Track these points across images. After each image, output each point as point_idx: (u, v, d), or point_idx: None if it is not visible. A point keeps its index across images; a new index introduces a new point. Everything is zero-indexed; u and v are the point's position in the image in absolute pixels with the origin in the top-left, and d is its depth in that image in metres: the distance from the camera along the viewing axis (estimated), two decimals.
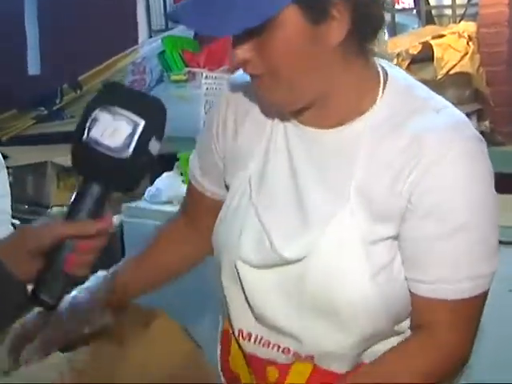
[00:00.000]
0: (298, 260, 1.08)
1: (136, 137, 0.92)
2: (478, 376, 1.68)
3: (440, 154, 1.03)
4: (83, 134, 0.92)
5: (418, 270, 1.06)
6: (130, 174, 0.95)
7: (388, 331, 1.10)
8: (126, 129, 0.92)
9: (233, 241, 1.14)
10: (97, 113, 0.93)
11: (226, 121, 1.21)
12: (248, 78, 1.09)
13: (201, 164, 1.27)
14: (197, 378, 1.18)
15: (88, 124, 0.93)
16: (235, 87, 1.21)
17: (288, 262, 1.09)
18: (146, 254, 1.33)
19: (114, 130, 0.92)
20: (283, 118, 1.14)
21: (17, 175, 3.33)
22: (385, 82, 1.10)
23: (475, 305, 1.08)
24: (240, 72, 1.14)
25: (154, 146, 0.95)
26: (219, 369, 1.25)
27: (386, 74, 1.11)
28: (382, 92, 1.09)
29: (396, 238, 1.06)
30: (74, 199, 0.96)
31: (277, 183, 1.13)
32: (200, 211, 1.31)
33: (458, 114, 1.10)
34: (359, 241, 1.05)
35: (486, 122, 2.51)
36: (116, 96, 0.96)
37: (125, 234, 2.96)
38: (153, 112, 0.95)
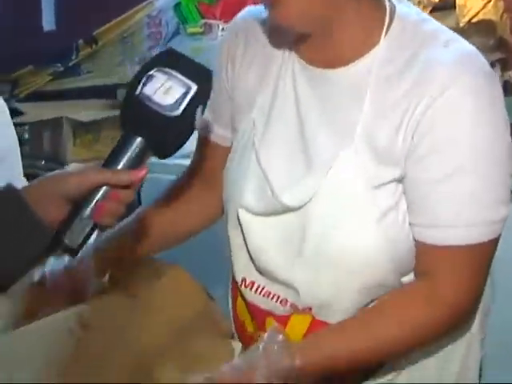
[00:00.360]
0: (300, 207, 1.07)
1: (187, 99, 0.95)
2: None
3: (444, 89, 1.00)
4: (136, 89, 0.96)
5: (421, 214, 1.04)
6: (174, 134, 0.98)
7: (390, 283, 1.08)
8: (179, 90, 0.95)
9: (236, 188, 1.15)
10: (153, 72, 0.96)
11: (234, 60, 1.21)
12: (256, 14, 1.13)
13: (212, 109, 1.22)
14: (210, 329, 1.19)
15: (143, 80, 0.96)
16: (243, 25, 1.21)
17: (289, 209, 1.08)
18: (155, 211, 1.31)
19: (168, 89, 0.95)
20: (291, 58, 1.13)
21: (33, 131, 3.30)
22: (391, 18, 1.08)
23: (481, 253, 1.04)
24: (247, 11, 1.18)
25: (198, 115, 0.97)
26: (231, 319, 1.26)
27: (394, 9, 1.09)
28: (389, 28, 1.07)
29: (401, 180, 1.05)
30: (114, 149, 0.98)
31: (281, 127, 1.12)
32: (211, 165, 1.28)
33: (468, 48, 1.07)
34: (363, 184, 1.03)
35: (511, 72, 2.41)
36: (172, 60, 0.99)
37: (142, 189, 2.94)
38: (204, 80, 0.98)
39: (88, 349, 1.06)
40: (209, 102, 1.20)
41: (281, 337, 1.02)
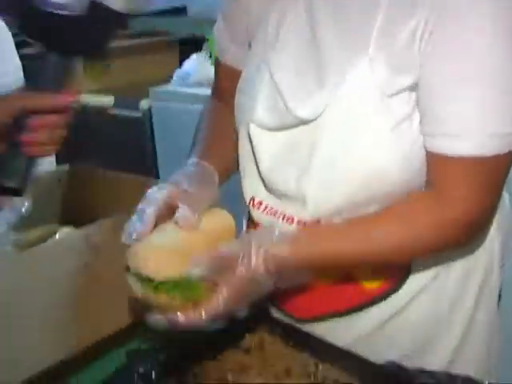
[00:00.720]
0: (313, 119, 1.04)
1: None
2: None
3: None
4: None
5: (431, 122, 0.99)
6: (87, 33, 0.88)
7: (402, 196, 1.04)
8: None
9: (248, 103, 1.13)
10: None
11: None
12: None
13: (229, 28, 1.24)
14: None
15: None
16: None
17: (302, 122, 1.06)
18: (210, 143, 1.22)
19: None
20: None
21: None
22: None
23: (492, 166, 0.98)
24: None
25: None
26: None
27: None
28: None
29: (414, 88, 1.00)
30: (37, 72, 0.90)
31: (293, 38, 1.10)
32: (231, 88, 1.21)
33: None
34: (377, 93, 1.00)
35: None
36: None
37: (153, 118, 2.90)
38: None
39: (97, 270, 1.12)
40: (225, 22, 1.24)
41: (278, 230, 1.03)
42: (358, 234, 1.03)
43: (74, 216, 1.30)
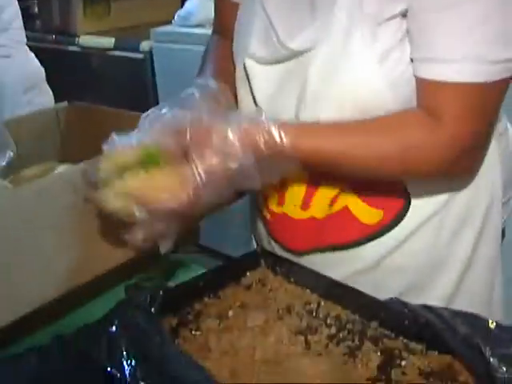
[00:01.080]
0: (304, 51, 1.05)
1: None
2: None
3: None
4: None
5: (419, 47, 0.98)
6: None
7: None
8: None
9: (243, 38, 1.14)
10: None
11: None
12: None
13: None
14: None
15: None
16: None
17: (294, 55, 1.06)
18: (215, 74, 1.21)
19: None
20: None
21: (42, 5, 3.36)
22: None
23: (486, 92, 0.96)
24: None
25: None
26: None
27: None
28: None
29: (405, 15, 0.98)
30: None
31: None
32: (233, 23, 1.20)
33: None
34: (367, 21, 0.99)
35: None
36: None
37: (155, 59, 2.86)
38: None
39: (93, 206, 1.06)
40: None
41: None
42: (353, 137, 1.02)
43: (73, 154, 1.28)
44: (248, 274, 1.07)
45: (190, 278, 1.02)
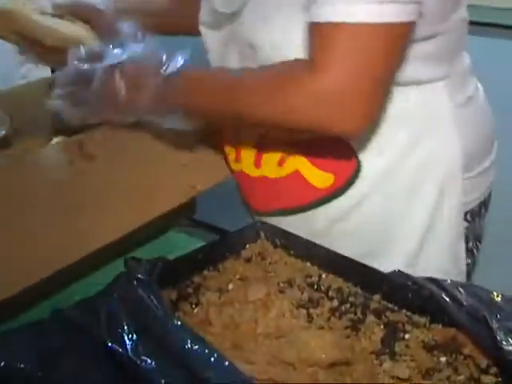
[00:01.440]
0: (234, 13, 1.09)
1: None
2: None
3: None
4: None
5: None
6: None
7: None
8: None
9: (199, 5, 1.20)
10: None
11: None
12: None
13: None
14: None
15: None
16: None
17: (229, 19, 1.11)
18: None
19: None
20: None
21: None
22: None
23: (367, 36, 0.89)
24: None
25: None
26: None
27: None
28: None
29: None
30: None
31: None
32: None
33: None
34: None
35: None
36: None
37: None
38: None
39: (89, 179, 1.08)
40: None
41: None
42: (236, 102, 1.01)
43: (66, 126, 1.25)
44: (247, 246, 1.05)
45: (189, 251, 1.01)
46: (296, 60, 0.98)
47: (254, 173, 1.19)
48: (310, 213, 1.15)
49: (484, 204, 1.23)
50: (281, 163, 1.14)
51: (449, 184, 1.12)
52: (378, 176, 1.11)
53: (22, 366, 0.76)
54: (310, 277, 0.99)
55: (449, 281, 0.88)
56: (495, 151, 1.24)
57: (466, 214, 1.19)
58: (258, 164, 1.17)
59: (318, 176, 1.11)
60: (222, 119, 1.10)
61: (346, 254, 1.00)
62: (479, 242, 1.27)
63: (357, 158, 1.10)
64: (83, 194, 1.07)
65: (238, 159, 1.21)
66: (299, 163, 1.12)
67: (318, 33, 0.93)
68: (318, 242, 1.04)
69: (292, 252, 1.03)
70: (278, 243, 1.05)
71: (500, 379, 0.80)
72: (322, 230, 1.15)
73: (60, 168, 1.05)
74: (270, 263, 1.03)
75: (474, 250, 1.25)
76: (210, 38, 1.18)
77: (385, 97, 1.00)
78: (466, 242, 1.21)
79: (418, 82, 1.08)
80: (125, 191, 1.13)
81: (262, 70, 1.01)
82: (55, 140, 1.17)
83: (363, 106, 0.92)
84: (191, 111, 1.06)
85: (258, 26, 1.04)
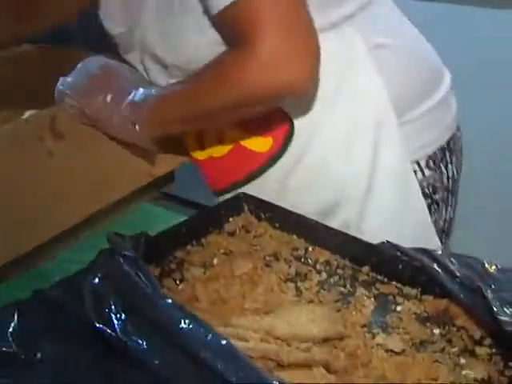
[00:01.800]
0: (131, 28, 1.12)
1: None
2: None
3: None
4: None
5: None
6: None
7: None
8: None
9: None
10: None
11: None
12: None
13: None
14: None
15: None
16: None
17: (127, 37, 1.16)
18: None
19: None
20: None
21: None
22: None
23: None
24: None
25: None
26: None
27: None
28: None
29: None
30: None
31: None
32: None
33: None
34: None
35: None
36: None
37: None
38: None
39: (60, 159, 1.06)
40: None
41: None
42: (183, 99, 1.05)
43: (38, 99, 1.21)
44: (231, 219, 1.03)
45: (171, 226, 0.97)
46: (225, 51, 1.01)
47: (201, 156, 1.22)
48: (261, 179, 1.17)
49: (448, 149, 1.19)
50: (221, 141, 1.17)
51: (381, 127, 1.09)
52: (311, 128, 1.11)
53: (3, 349, 0.73)
54: (297, 250, 0.97)
55: (440, 251, 0.86)
56: (445, 91, 1.20)
57: (427, 161, 1.16)
58: (202, 146, 1.21)
59: (257, 142, 1.14)
60: (196, 126, 1.16)
61: (308, 211, 1.01)
62: (451, 192, 1.23)
63: (288, 116, 1.11)
64: (47, 175, 1.05)
65: (187, 145, 1.24)
66: (237, 136, 1.15)
67: (229, 17, 0.94)
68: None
69: (277, 225, 1.01)
70: (263, 216, 1.02)
71: (494, 350, 0.79)
72: (278, 191, 1.16)
73: (30, 145, 1.01)
74: (254, 236, 1.00)
75: (446, 201, 1.23)
76: (134, 62, 1.20)
77: (316, 35, 0.97)
78: (433, 193, 1.19)
79: (332, 26, 1.06)
80: (86, 175, 1.12)
81: (203, 70, 1.03)
82: (27, 113, 1.12)
83: (306, 52, 0.93)
84: (167, 130, 1.12)
85: (163, 45, 1.09)
